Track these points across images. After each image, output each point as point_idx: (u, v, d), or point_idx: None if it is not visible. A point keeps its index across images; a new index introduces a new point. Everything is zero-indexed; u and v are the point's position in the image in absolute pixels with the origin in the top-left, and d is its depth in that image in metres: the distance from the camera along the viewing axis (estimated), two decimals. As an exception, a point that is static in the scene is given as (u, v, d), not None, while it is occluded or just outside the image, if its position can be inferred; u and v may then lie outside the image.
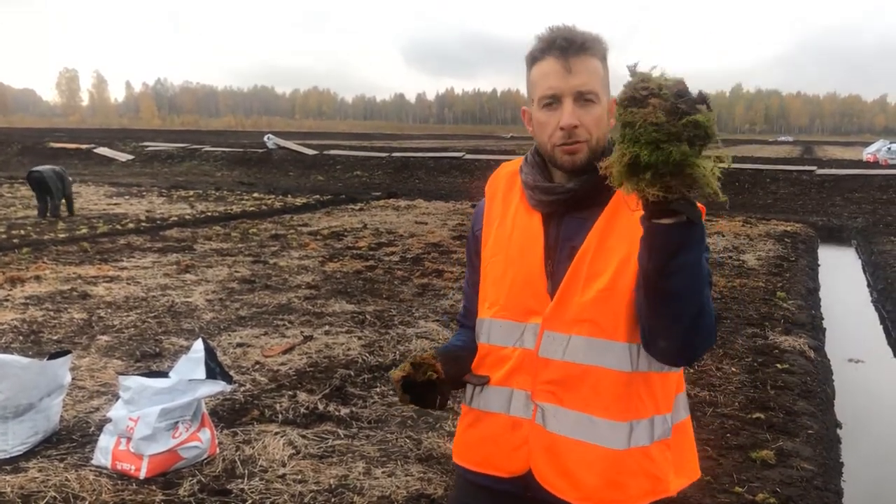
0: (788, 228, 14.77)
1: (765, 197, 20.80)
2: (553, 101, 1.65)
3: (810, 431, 4.81)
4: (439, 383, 1.74)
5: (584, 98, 1.63)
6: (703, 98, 1.31)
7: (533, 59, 1.68)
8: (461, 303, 2.08)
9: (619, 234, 1.65)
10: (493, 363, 1.80)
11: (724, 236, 13.43)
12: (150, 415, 3.88)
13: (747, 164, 25.30)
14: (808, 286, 9.47)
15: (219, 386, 4.07)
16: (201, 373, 4.05)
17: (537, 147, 1.79)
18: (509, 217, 1.81)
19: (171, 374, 4.11)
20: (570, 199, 1.70)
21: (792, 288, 9.11)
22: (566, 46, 1.62)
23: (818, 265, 11.57)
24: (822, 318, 8.14)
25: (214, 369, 4.13)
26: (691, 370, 5.93)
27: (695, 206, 1.38)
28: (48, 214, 14.72)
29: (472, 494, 1.86)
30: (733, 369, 6.00)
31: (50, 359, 4.22)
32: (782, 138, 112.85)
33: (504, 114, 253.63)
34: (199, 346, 4.19)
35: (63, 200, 15.13)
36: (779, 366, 6.05)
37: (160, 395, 3.94)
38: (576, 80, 1.62)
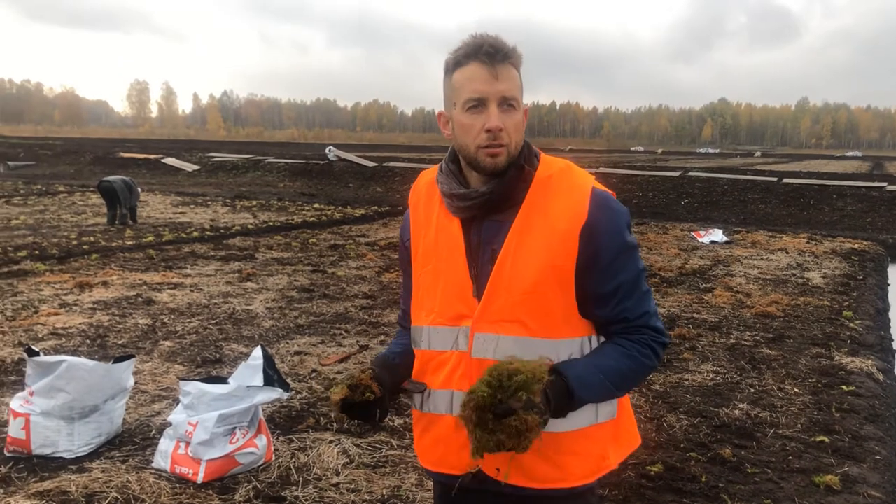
0: (856, 246, 14.30)
1: (831, 213, 20.18)
2: (478, 105, 1.70)
3: (878, 457, 4.63)
4: (377, 401, 1.78)
5: (507, 103, 1.70)
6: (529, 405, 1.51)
7: (457, 63, 1.73)
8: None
9: (537, 234, 1.72)
10: (435, 368, 1.86)
11: (787, 253, 13.10)
12: (209, 420, 3.96)
13: (813, 180, 24.63)
14: (877, 306, 9.15)
15: (276, 393, 4.13)
16: (259, 380, 4.12)
17: (455, 151, 1.85)
18: (433, 226, 1.86)
19: (230, 380, 4.19)
20: (486, 202, 1.75)
21: (859, 307, 8.82)
22: (493, 53, 1.68)
23: (888, 284, 11.18)
24: (892, 340, 7.86)
25: (272, 376, 4.19)
26: (752, 389, 5.79)
27: (545, 410, 1.56)
28: (116, 222, 15.22)
29: (445, 493, 1.95)
30: (796, 390, 5.83)
31: (115, 362, 4.34)
32: (850, 153, 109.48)
33: (563, 126, 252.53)
34: (258, 353, 4.27)
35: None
36: (844, 388, 5.86)
37: (219, 401, 4.02)
38: (501, 86, 1.69)
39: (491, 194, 1.74)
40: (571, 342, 1.76)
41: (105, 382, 4.27)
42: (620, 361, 1.74)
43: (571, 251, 1.70)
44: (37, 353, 4.20)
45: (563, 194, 1.75)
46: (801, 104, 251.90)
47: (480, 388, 1.53)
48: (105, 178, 15.74)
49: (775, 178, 25.04)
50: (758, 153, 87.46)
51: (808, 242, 14.60)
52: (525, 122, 1.78)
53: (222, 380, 4.22)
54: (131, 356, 4.47)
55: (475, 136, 1.72)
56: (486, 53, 1.68)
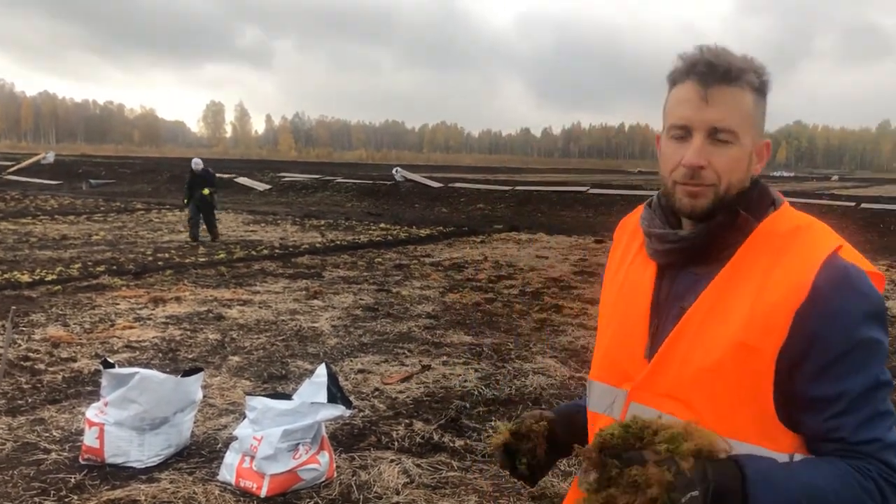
0: (940, 274, 13.71)
1: (913, 240, 19.42)
2: (683, 133, 1.43)
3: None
4: (537, 463, 1.58)
5: (718, 135, 1.39)
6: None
7: (673, 81, 1.47)
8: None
9: (738, 300, 1.35)
10: (592, 431, 1.58)
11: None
12: (273, 435, 4.04)
13: (894, 205, 23.75)
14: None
15: (339, 410, 4.19)
16: (323, 396, 4.18)
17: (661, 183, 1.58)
18: (625, 266, 1.61)
19: (294, 396, 4.27)
20: (686, 248, 1.44)
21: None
22: (707, 72, 1.39)
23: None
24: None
25: (336, 394, 4.25)
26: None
27: (693, 484, 1.16)
28: (199, 238, 15.79)
29: None
30: None
31: (184, 375, 4.47)
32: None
33: (632, 148, 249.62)
34: (322, 370, 4.34)
35: (205, 225, 16.15)
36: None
37: (283, 417, 4.10)
38: (712, 114, 1.38)
39: (693, 239, 1.43)
40: (759, 454, 1.30)
41: (175, 395, 4.40)
42: (829, 481, 1.25)
43: (777, 333, 1.29)
44: (112, 366, 4.36)
45: (788, 257, 1.35)
46: (882, 126, 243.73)
47: (613, 427, 1.22)
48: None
49: (853, 203, 24.24)
50: (835, 177, 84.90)
51: (887, 270, 14.06)
52: (759, 160, 1.45)
53: (287, 396, 4.31)
54: (200, 369, 4.60)
55: (672, 169, 1.45)
56: (699, 73, 1.39)
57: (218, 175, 20.67)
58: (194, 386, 4.50)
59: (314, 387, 4.27)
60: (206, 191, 16.12)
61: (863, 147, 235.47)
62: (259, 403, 4.14)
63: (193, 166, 16.58)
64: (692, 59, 1.41)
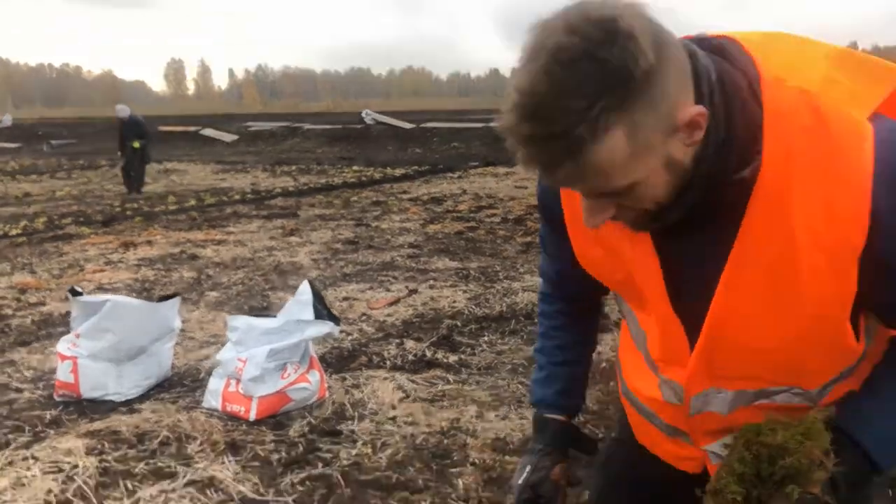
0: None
1: None
2: None
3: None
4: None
5: (604, 195, 1.01)
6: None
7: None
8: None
9: (777, 270, 1.03)
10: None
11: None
12: (259, 355, 3.81)
13: None
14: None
15: (327, 327, 3.96)
16: (309, 314, 3.95)
17: None
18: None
19: (278, 315, 4.04)
20: (682, 222, 1.07)
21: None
22: (535, 154, 0.94)
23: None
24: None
25: (322, 311, 4.02)
26: None
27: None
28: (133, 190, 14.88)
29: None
30: None
31: (159, 301, 4.21)
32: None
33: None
34: (305, 288, 4.10)
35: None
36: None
37: (268, 336, 3.86)
38: (575, 189, 1.04)
39: (687, 214, 1.06)
40: (840, 375, 1.16)
41: (151, 322, 4.14)
42: None
43: (846, 286, 1.01)
44: (80, 294, 4.09)
45: (818, 177, 0.97)
46: None
47: (730, 486, 1.06)
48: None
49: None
50: None
51: None
52: (691, 137, 0.97)
53: (271, 315, 4.07)
54: (176, 294, 4.34)
55: None
56: (528, 158, 0.96)
57: (183, 128, 20.06)
58: (171, 312, 4.24)
59: (299, 305, 4.03)
60: (136, 144, 14.94)
61: None
62: (242, 323, 3.90)
63: (119, 114, 15.23)
64: (510, 122, 0.93)
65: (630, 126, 0.90)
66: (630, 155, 0.93)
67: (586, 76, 0.87)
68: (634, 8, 0.90)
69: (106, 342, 4.03)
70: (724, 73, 1.00)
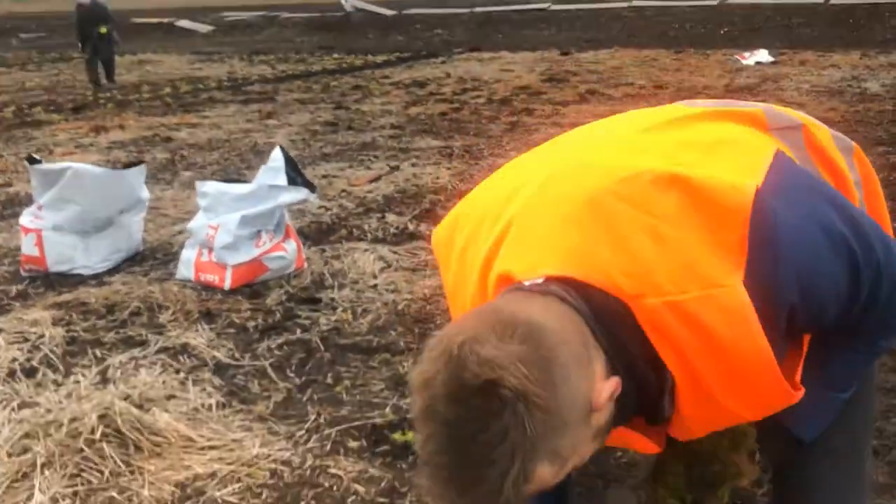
0: (915, 59, 13.36)
1: (883, 32, 18.89)
2: None
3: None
4: None
5: None
6: None
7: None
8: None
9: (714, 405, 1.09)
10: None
11: (839, 68, 12.24)
12: (231, 222, 3.63)
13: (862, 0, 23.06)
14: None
15: (301, 193, 3.78)
16: (282, 180, 3.76)
17: None
18: None
19: (251, 182, 3.84)
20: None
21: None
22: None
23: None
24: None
25: (295, 178, 3.82)
26: None
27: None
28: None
29: None
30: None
31: (124, 169, 3.99)
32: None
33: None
34: (277, 154, 3.90)
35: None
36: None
37: (240, 202, 3.68)
38: None
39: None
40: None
41: (116, 191, 3.93)
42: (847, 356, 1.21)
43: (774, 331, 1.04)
44: (39, 162, 3.86)
45: (713, 357, 1.03)
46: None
47: (667, 500, 1.25)
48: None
49: (822, 0, 23.49)
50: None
51: (861, 58, 13.66)
52: (600, 409, 0.96)
53: (243, 181, 3.87)
54: (141, 162, 4.12)
55: None
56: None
57: (157, 20, 19.17)
58: (137, 180, 4.03)
59: (271, 172, 3.84)
60: (104, 29, 13.84)
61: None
62: (212, 188, 3.71)
63: None
64: (441, 495, 0.91)
65: (551, 454, 0.91)
66: (560, 469, 0.95)
67: (492, 446, 0.86)
68: (509, 353, 0.87)
69: (70, 212, 3.83)
70: (610, 324, 0.99)
